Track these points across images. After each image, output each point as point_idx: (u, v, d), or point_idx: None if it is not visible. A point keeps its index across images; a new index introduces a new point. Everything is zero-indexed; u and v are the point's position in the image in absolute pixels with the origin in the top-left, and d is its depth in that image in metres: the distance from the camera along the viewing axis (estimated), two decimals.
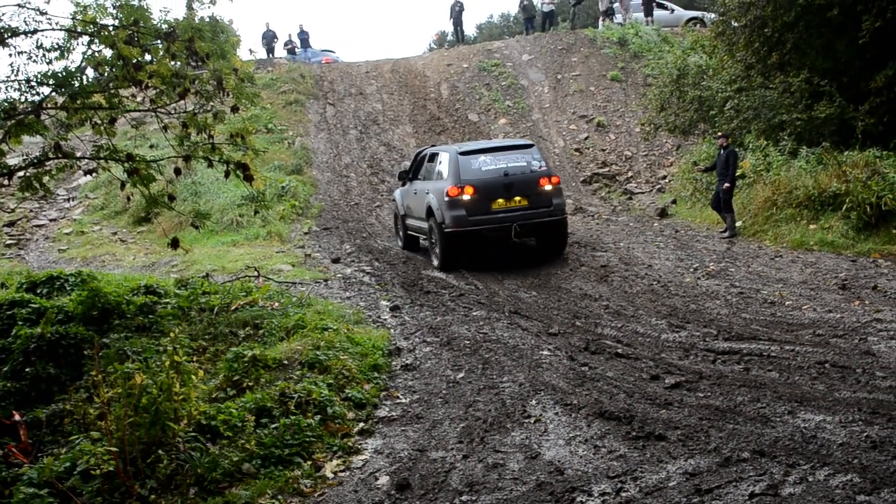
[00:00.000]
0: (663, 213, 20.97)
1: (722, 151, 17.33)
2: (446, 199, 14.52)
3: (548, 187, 14.86)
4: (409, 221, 17.33)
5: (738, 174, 17.93)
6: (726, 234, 17.06)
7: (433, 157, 16.44)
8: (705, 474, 5.81)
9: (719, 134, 17.91)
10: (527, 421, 7.38)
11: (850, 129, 18.23)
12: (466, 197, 14.45)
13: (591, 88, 29.81)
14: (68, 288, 12.50)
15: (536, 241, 15.58)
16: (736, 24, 21.15)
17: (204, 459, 6.85)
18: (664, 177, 24.67)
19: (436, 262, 15.22)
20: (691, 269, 14.32)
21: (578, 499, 5.60)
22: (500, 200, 14.59)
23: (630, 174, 25.40)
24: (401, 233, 18.19)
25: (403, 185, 17.97)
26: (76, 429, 7.91)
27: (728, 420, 6.93)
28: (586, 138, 27.33)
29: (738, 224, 17.36)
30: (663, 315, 11.27)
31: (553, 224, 15.05)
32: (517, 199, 14.65)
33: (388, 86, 31.46)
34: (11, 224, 22.45)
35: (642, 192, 24.01)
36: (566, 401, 7.75)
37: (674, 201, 21.72)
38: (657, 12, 34.93)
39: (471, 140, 26.69)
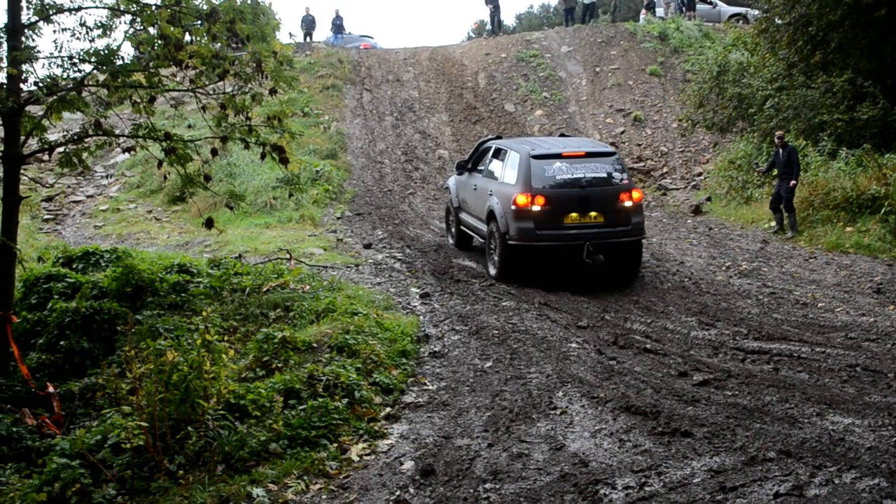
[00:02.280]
0: (697, 211, 20.82)
1: (781, 151, 17.02)
2: (513, 207, 12.77)
3: (628, 203, 12.97)
4: (464, 217, 15.76)
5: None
6: (790, 234, 16.67)
7: (499, 152, 14.44)
8: (730, 472, 5.79)
9: (779, 133, 17.60)
10: (553, 412, 7.38)
11: (892, 132, 18.01)
12: (536, 208, 12.67)
13: (629, 82, 29.61)
14: (103, 264, 12.68)
15: (606, 262, 13.76)
16: (780, 22, 20.92)
17: (232, 438, 6.93)
18: (700, 174, 24.49)
19: (493, 271, 13.57)
20: (724, 268, 14.23)
21: (602, 491, 5.61)
22: (574, 215, 12.72)
23: (665, 170, 25.25)
24: (452, 228, 16.79)
25: (460, 174, 16.27)
26: (108, 403, 8.02)
27: (755, 419, 6.90)
28: (623, 132, 27.17)
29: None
30: (693, 312, 11.22)
31: (629, 245, 13.24)
32: (593, 214, 12.77)
33: (426, 73, 31.45)
34: (49, 199, 22.74)
35: (677, 189, 23.86)
36: (593, 394, 7.74)
37: (708, 199, 21.57)
38: (699, 6, 34.65)
39: (518, 135, 26.53)
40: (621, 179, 13.15)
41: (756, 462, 5.94)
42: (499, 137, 16.57)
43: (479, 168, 15.43)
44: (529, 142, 14.59)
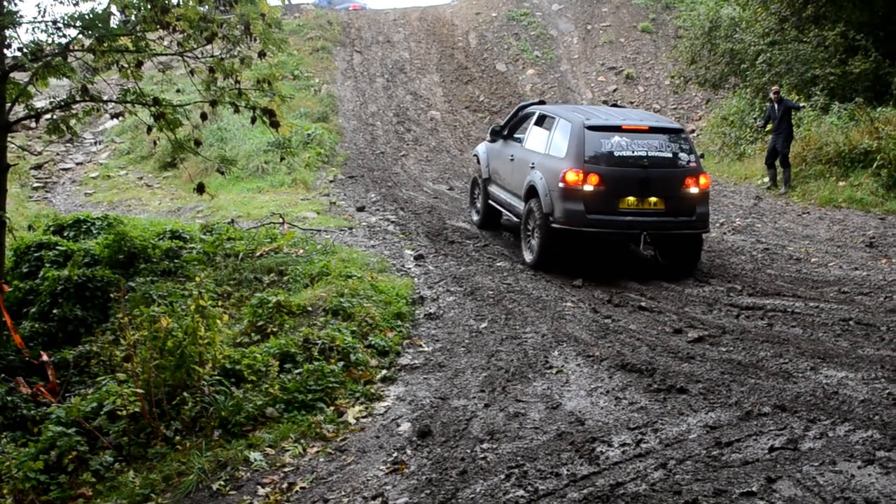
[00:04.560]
0: None
1: (777, 106, 16.91)
2: (561, 184, 10.90)
3: (693, 190, 11.03)
4: (494, 190, 13.81)
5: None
6: (783, 190, 16.68)
7: (543, 119, 12.47)
8: (725, 427, 5.81)
9: (774, 88, 17.51)
10: (549, 371, 7.40)
11: (884, 85, 17.95)
12: (589, 187, 10.78)
13: (620, 40, 29.42)
14: (95, 231, 12.65)
15: (657, 252, 11.95)
16: None
17: (228, 403, 6.94)
18: (693, 130, 24.44)
19: (528, 258, 11.69)
20: (717, 224, 14.22)
21: (598, 449, 5.63)
22: (631, 199, 10.83)
23: None
24: (478, 203, 14.73)
25: (493, 142, 14.19)
26: (103, 370, 8.04)
27: (750, 375, 6.92)
28: (615, 90, 27.04)
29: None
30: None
31: (690, 239, 11.28)
32: (653, 200, 10.89)
33: (416, 34, 31.19)
34: (38, 167, 22.60)
35: None
36: (588, 352, 7.76)
37: (702, 155, 21.37)
38: None
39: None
40: (688, 161, 11.22)
41: (751, 417, 5.96)
42: (542, 102, 14.47)
43: (516, 136, 13.49)
44: (581, 110, 12.88)
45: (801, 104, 17.86)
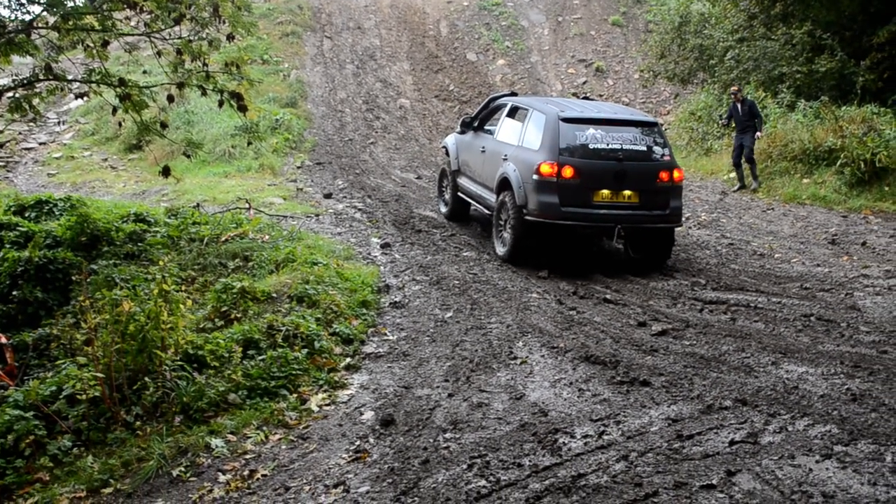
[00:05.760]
0: None
1: (739, 105, 16.86)
2: (535, 176, 10.80)
3: (667, 183, 11.08)
4: (464, 182, 13.62)
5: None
6: (755, 186, 16.71)
7: (516, 110, 12.41)
8: (687, 421, 5.86)
9: (733, 89, 17.52)
10: (513, 362, 7.41)
11: (849, 84, 18.16)
12: (563, 180, 10.75)
13: (591, 32, 29.49)
14: (57, 213, 12.46)
15: (628, 246, 11.87)
16: None
17: (190, 388, 6.88)
18: (661, 125, 24.56)
19: (501, 250, 11.58)
20: (683, 219, 14.33)
21: (561, 440, 5.65)
22: (605, 192, 10.78)
23: None
24: (446, 194, 14.57)
25: (462, 133, 14.00)
26: (63, 353, 7.93)
27: (712, 368, 6.98)
28: (584, 83, 27.11)
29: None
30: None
31: (663, 233, 11.31)
32: (627, 193, 10.84)
33: (387, 21, 31.03)
34: (0, 146, 22.22)
35: None
36: (553, 344, 7.78)
37: None
38: None
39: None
40: (662, 155, 11.19)
41: (712, 410, 6.02)
42: (513, 94, 14.55)
43: (487, 128, 13.44)
44: (555, 102, 12.66)
45: (763, 120, 17.60)
